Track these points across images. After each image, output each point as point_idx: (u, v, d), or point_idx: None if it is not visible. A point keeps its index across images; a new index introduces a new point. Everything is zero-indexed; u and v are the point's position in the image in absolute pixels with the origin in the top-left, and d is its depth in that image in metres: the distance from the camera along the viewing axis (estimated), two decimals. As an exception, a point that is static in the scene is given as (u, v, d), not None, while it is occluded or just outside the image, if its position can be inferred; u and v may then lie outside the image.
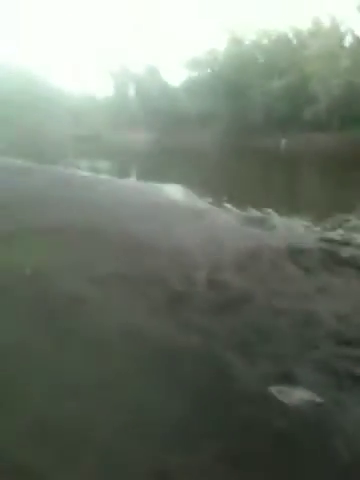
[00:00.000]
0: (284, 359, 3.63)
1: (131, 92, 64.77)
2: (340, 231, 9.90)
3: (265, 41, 47.46)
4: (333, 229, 10.20)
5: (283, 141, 34.55)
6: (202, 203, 12.08)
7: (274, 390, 3.21)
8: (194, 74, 55.98)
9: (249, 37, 49.70)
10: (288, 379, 3.36)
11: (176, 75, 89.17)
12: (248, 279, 5.72)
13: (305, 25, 44.47)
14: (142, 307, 4.29)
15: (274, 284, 5.61)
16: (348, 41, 39.04)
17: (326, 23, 42.36)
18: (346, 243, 8.52)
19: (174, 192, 13.43)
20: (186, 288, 4.92)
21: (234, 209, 11.79)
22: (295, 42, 44.47)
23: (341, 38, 38.98)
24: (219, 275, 5.56)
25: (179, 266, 5.60)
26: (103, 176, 17.38)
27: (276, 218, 10.60)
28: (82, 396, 2.90)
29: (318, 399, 3.19)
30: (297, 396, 3.19)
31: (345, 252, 7.63)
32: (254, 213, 11.03)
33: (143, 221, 7.81)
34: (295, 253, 7.28)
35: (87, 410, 2.79)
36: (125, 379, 3.13)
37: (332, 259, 7.08)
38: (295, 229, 9.94)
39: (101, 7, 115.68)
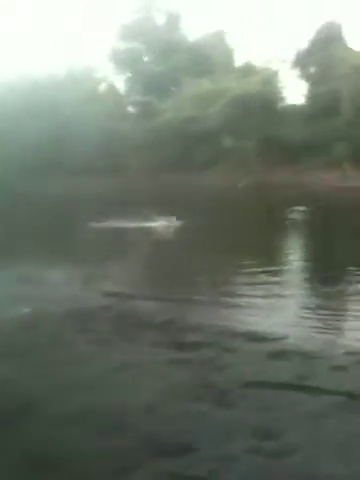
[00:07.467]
0: None
1: None
2: (115, 280, 8.80)
3: (21, 84, 45.68)
4: (107, 279, 8.99)
5: None
6: None
7: None
8: None
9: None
10: None
11: None
12: (22, 368, 4.08)
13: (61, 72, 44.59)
14: None
15: (58, 369, 4.09)
16: (103, 88, 40.67)
17: (79, 70, 43.31)
18: (131, 296, 7.50)
19: None
20: None
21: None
22: (52, 88, 43.95)
23: (96, 85, 40.36)
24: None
25: None
26: None
27: (48, 273, 8.93)
28: None
29: None
30: None
31: (136, 308, 6.57)
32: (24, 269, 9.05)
33: None
34: (80, 318, 5.88)
35: None
36: None
37: (124, 320, 5.90)
38: (71, 284, 8.46)
39: None
